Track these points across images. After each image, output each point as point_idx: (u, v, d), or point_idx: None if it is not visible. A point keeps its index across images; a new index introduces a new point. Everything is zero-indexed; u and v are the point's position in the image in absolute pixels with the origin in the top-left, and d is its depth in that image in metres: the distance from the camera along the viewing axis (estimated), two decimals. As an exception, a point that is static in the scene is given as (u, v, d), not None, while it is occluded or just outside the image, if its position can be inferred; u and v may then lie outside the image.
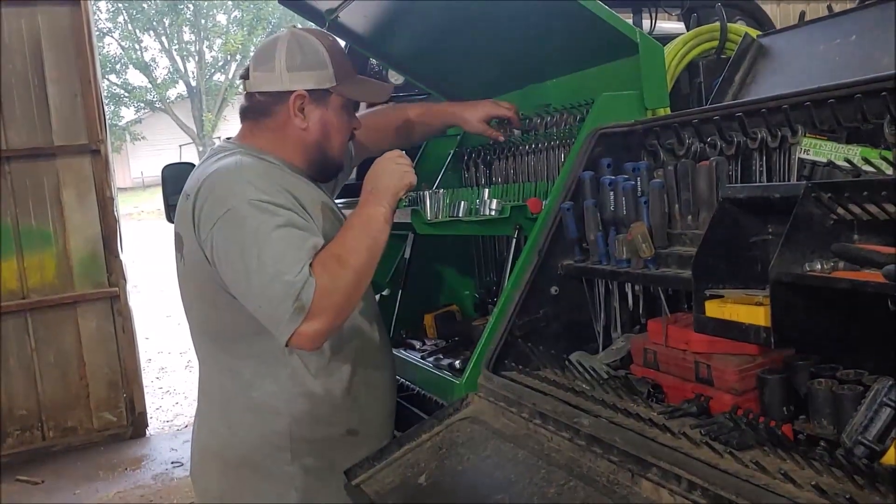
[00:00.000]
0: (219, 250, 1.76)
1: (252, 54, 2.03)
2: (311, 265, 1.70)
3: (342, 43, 3.01)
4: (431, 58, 2.90)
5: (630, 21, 3.45)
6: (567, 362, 1.69)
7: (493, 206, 2.02)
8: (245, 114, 2.01)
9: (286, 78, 1.92)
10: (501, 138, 2.43)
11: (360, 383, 1.97)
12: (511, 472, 1.47)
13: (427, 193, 2.01)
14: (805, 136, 1.46)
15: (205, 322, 1.95)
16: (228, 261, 1.75)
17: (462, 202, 2.05)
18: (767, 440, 1.18)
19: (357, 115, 2.17)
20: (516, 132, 2.50)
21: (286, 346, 1.72)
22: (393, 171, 1.90)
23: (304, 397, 1.89)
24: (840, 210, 1.21)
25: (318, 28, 2.08)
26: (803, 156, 1.45)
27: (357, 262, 1.77)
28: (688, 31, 2.88)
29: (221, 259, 1.76)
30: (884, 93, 1.31)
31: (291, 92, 1.92)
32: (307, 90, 1.93)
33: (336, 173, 2.15)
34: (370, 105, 2.61)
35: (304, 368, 1.89)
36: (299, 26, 2.11)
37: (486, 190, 2.12)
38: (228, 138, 2.08)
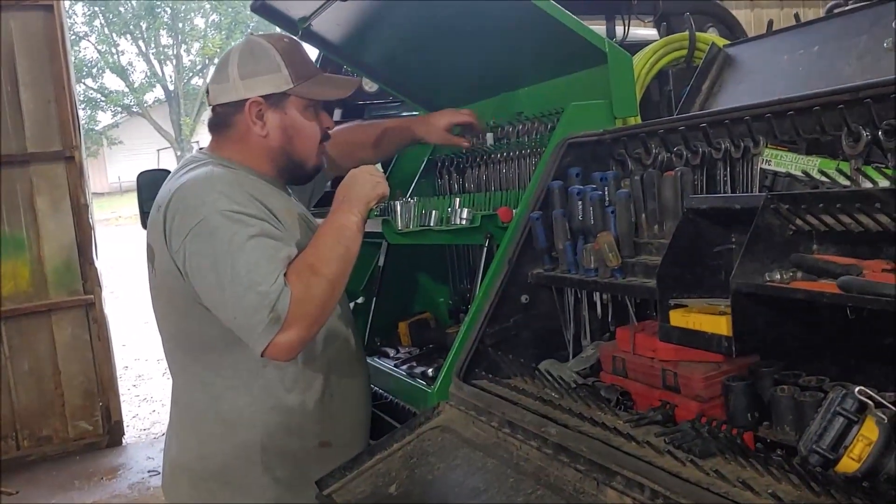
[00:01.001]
0: (191, 261, 1.76)
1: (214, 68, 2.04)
2: (285, 275, 1.70)
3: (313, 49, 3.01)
4: (405, 66, 2.91)
5: (604, 28, 3.49)
6: (537, 371, 1.71)
7: (464, 215, 2.03)
8: (211, 127, 2.02)
9: (240, 86, 1.91)
10: (466, 144, 2.44)
11: (334, 394, 1.97)
12: (480, 481, 1.48)
13: (398, 203, 2.02)
14: (767, 146, 1.49)
15: (177, 334, 1.94)
16: (201, 272, 1.75)
17: (433, 211, 2.06)
18: (728, 448, 1.20)
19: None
20: (489, 139, 2.52)
21: (262, 356, 1.71)
22: (365, 182, 1.91)
23: (277, 409, 1.89)
24: (799, 221, 1.23)
25: (277, 33, 2.05)
26: (765, 166, 1.48)
27: (330, 271, 1.77)
28: (660, 38, 2.91)
29: (194, 270, 1.76)
30: (841, 105, 1.33)
31: (247, 100, 1.92)
32: (262, 96, 1.92)
33: (311, 176, 2.12)
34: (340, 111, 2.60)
35: (278, 380, 1.89)
36: (258, 32, 2.09)
37: (458, 199, 2.13)
38: (202, 148, 2.08)
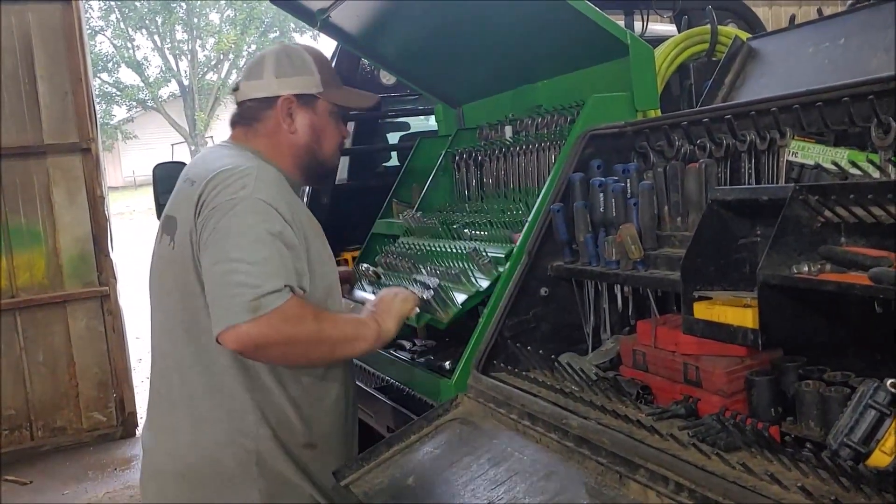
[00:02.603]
0: (206, 230, 1.75)
1: (244, 69, 2.08)
2: (292, 292, 1.69)
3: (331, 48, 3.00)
4: (423, 58, 2.90)
5: (622, 23, 3.47)
6: (556, 363, 1.69)
7: (483, 284, 2.02)
8: (236, 121, 2.03)
9: (274, 84, 1.97)
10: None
11: (322, 398, 1.94)
12: (500, 473, 1.47)
13: (430, 298, 2.01)
14: (793, 138, 1.47)
15: (180, 312, 1.89)
16: (209, 242, 1.74)
17: (457, 273, 2.07)
18: (755, 442, 1.19)
19: None
20: (507, 132, 2.51)
21: (216, 338, 1.68)
22: (394, 298, 1.95)
23: (273, 403, 1.85)
24: (827, 213, 1.22)
25: (309, 45, 2.13)
26: (792, 158, 1.46)
27: (327, 333, 1.76)
28: (679, 33, 2.89)
29: (207, 239, 1.75)
30: (871, 96, 1.31)
31: (280, 96, 1.96)
32: (295, 94, 1.97)
33: (327, 177, 2.19)
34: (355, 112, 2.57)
35: (273, 372, 1.86)
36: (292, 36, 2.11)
37: (469, 262, 2.12)
38: (224, 141, 2.06)
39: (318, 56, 2.05)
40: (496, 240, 2.16)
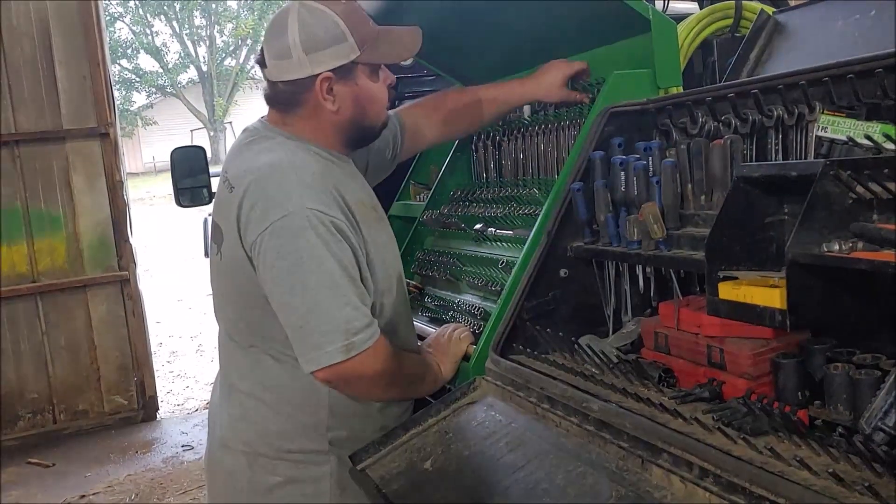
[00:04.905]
0: (266, 256, 1.67)
1: (264, 35, 1.87)
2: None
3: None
4: (440, 38, 2.85)
5: None
6: (576, 346, 1.66)
7: None
8: (272, 102, 1.87)
9: (306, 62, 1.76)
10: (586, 100, 2.20)
11: None
12: (519, 457, 1.44)
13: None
14: (823, 112, 1.41)
15: (238, 320, 1.85)
16: (275, 269, 1.66)
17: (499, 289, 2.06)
18: (782, 426, 1.15)
19: (415, 102, 2.19)
20: (526, 111, 2.46)
21: (311, 372, 1.68)
22: (449, 341, 1.96)
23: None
24: (859, 188, 1.17)
25: None
26: (821, 133, 1.40)
27: (404, 371, 1.80)
28: (701, 9, 2.83)
29: (268, 265, 1.67)
30: (906, 67, 1.26)
31: (316, 76, 1.77)
32: (331, 70, 1.78)
33: (379, 133, 1.99)
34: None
35: None
36: None
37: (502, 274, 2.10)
38: (263, 118, 1.92)
39: (346, 10, 1.78)
40: (521, 241, 2.12)
